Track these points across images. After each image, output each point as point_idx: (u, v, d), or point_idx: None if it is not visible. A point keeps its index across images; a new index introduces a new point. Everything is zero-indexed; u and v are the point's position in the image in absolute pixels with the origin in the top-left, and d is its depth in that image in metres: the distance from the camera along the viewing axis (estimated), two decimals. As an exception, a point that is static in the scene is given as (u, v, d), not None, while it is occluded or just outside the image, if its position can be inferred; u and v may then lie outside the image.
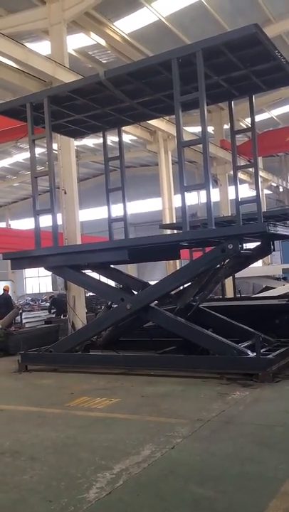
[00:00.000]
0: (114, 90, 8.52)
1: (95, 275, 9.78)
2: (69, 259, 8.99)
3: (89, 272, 9.69)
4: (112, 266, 9.66)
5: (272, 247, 9.55)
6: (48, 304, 22.46)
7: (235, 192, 9.19)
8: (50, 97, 8.85)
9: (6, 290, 17.56)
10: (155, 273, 28.86)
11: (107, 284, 9.76)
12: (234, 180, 9.30)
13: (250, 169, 15.41)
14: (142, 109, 9.54)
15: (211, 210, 7.48)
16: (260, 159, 22.75)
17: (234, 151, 9.51)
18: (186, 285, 8.92)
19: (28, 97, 9.40)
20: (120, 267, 10.31)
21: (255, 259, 10.29)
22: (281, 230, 8.01)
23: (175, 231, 18.98)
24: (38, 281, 39.44)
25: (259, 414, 5.34)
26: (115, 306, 8.92)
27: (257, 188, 8.99)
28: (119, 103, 9.17)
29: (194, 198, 28.86)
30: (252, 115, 9.04)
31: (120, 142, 10.69)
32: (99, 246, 9.12)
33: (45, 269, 9.97)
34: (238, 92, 8.89)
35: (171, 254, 9.76)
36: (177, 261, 17.08)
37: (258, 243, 9.46)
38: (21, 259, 9.89)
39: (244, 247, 7.83)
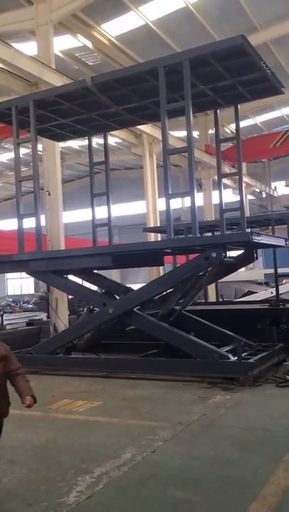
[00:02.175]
0: (101, 96, 8.52)
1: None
2: (52, 265, 8.92)
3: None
4: (94, 271, 9.63)
5: (255, 255, 9.64)
6: (30, 306, 22.30)
7: (220, 200, 9.25)
8: (36, 101, 8.80)
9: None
10: (138, 277, 28.88)
11: (89, 289, 9.73)
12: (218, 188, 9.35)
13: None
14: (128, 115, 9.55)
15: (196, 217, 7.50)
16: (243, 165, 22.94)
17: (219, 159, 9.58)
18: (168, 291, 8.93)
19: (14, 101, 9.34)
20: (103, 271, 10.29)
21: (239, 267, 10.37)
22: (264, 240, 8.09)
23: (159, 234, 19.11)
24: (20, 282, 39.10)
25: (240, 417, 5.37)
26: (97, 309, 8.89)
27: (241, 197, 9.06)
28: (106, 109, 9.17)
29: (178, 202, 29.00)
30: (237, 124, 9.13)
31: (106, 147, 10.66)
32: (83, 252, 9.07)
33: (27, 273, 9.84)
34: (223, 101, 8.96)
35: (155, 261, 9.78)
36: (160, 265, 17.09)
37: (242, 251, 9.55)
38: (3, 264, 9.79)
39: (227, 255, 7.87)
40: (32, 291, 35.54)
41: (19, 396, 3.45)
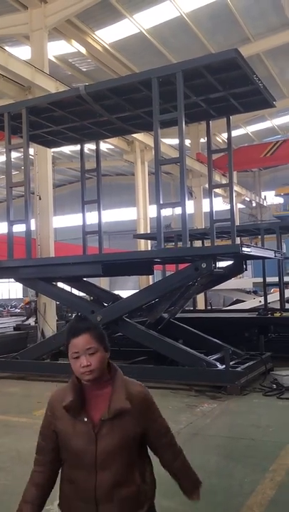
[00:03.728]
0: (94, 105, 8.55)
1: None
2: (42, 272, 8.88)
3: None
4: (84, 278, 9.61)
5: (244, 266, 9.69)
6: (18, 310, 22.13)
7: (210, 211, 9.30)
8: (29, 107, 8.80)
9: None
10: (127, 284, 28.85)
11: (78, 296, 9.71)
12: (209, 199, 9.40)
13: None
14: (121, 124, 9.57)
15: (186, 227, 7.52)
16: (234, 174, 23.12)
17: (210, 170, 9.63)
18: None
19: (7, 107, 9.32)
20: (93, 278, 10.27)
21: (228, 278, 10.41)
22: (254, 251, 8.15)
23: (149, 241, 19.13)
24: (8, 286, 38.89)
25: (226, 426, 5.37)
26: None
27: (231, 208, 9.12)
28: (99, 117, 9.19)
29: (169, 210, 29.07)
30: (229, 136, 9.21)
31: (98, 155, 10.64)
32: (73, 260, 9.05)
33: (16, 280, 9.77)
34: (216, 113, 9.05)
35: (145, 270, 9.80)
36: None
37: (231, 262, 9.61)
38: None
39: (217, 266, 7.91)
40: (20, 295, 35.35)
41: (181, 489, 2.33)
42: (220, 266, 8.99)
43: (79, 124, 9.52)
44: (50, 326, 11.84)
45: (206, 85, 7.88)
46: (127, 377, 2.15)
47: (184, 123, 7.52)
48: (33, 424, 5.65)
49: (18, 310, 24.84)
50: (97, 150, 10.71)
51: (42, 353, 8.82)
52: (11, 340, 11.39)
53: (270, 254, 9.49)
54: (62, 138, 10.46)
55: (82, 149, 10.78)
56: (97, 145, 10.66)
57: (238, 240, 13.26)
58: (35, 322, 13.40)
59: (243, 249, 7.43)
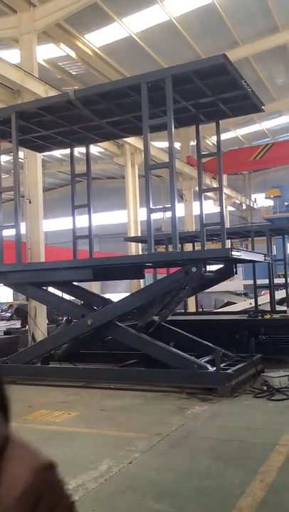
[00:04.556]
0: (84, 109, 8.56)
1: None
2: (32, 277, 8.86)
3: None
4: (74, 283, 9.58)
5: (234, 269, 9.73)
6: (8, 314, 22.03)
7: (200, 214, 9.34)
8: (18, 112, 8.79)
9: None
10: (118, 287, 28.81)
11: (68, 301, 9.69)
12: (199, 202, 9.43)
13: (215, 186, 15.66)
14: (111, 128, 9.59)
15: (176, 231, 7.54)
16: (224, 177, 23.20)
17: (200, 174, 9.67)
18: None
19: None
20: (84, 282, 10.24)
21: (218, 281, 10.45)
22: (243, 255, 8.20)
23: (140, 244, 19.13)
24: (-1, 290, 38.69)
25: (217, 429, 5.38)
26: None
27: (221, 212, 9.16)
28: (88, 122, 9.19)
29: (159, 213, 29.07)
30: (218, 140, 9.26)
31: (88, 159, 10.64)
32: (63, 264, 9.03)
33: (5, 285, 9.71)
34: (205, 117, 9.09)
35: (136, 274, 9.83)
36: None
37: (221, 266, 9.64)
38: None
39: (207, 269, 7.94)
40: (11, 299, 35.15)
41: None
42: (210, 270, 9.02)
43: (69, 128, 9.51)
44: (41, 329, 11.79)
45: (195, 90, 7.92)
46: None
47: (173, 128, 7.55)
48: (22, 428, 5.62)
49: (8, 314, 24.72)
50: (87, 154, 10.70)
51: (32, 357, 8.78)
52: (1, 344, 11.33)
53: (260, 257, 9.55)
54: (52, 142, 10.45)
55: (72, 154, 10.76)
56: (87, 149, 10.65)
57: (228, 243, 13.32)
58: (22, 326, 13.35)
59: (233, 253, 7.47)
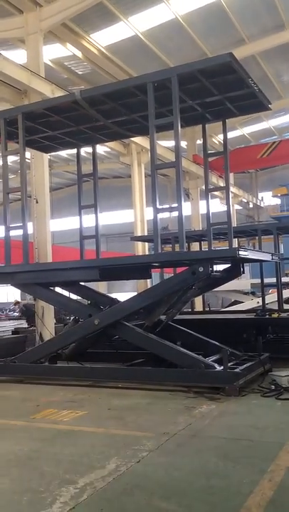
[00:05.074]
0: (90, 110, 8.54)
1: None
2: (39, 277, 8.86)
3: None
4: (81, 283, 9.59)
5: (242, 269, 9.69)
6: (16, 314, 22.09)
7: (207, 214, 9.30)
8: (25, 113, 8.80)
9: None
10: (125, 286, 28.86)
11: (75, 301, 9.69)
12: (206, 202, 9.39)
13: (222, 185, 15.60)
14: (117, 128, 9.57)
15: (183, 231, 7.50)
16: (231, 175, 23.15)
17: (206, 173, 9.62)
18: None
19: (2, 113, 9.30)
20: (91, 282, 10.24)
21: (226, 281, 10.41)
22: (251, 255, 8.15)
23: (146, 243, 19.13)
24: (6, 290, 38.82)
25: (225, 428, 5.36)
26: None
27: (228, 211, 9.11)
28: (94, 122, 9.17)
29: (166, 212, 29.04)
30: (225, 139, 9.21)
31: (94, 159, 10.60)
32: (70, 265, 9.02)
33: (13, 286, 9.74)
34: (211, 116, 9.04)
35: (143, 274, 9.81)
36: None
37: (229, 265, 9.59)
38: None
39: (214, 269, 7.91)
40: (18, 299, 35.27)
41: None
42: (217, 269, 8.99)
43: (75, 129, 9.51)
44: (49, 329, 11.83)
45: (201, 89, 7.88)
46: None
47: (179, 127, 7.51)
48: (30, 427, 5.65)
49: (16, 314, 24.82)
50: (94, 155, 10.69)
51: (40, 357, 8.80)
52: (9, 343, 11.38)
53: (268, 257, 9.49)
54: (58, 143, 10.45)
55: (78, 154, 10.76)
56: (94, 149, 10.64)
57: (235, 242, 13.28)
58: (29, 325, 13.40)
59: (240, 253, 7.42)
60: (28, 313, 16.82)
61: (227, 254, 7.91)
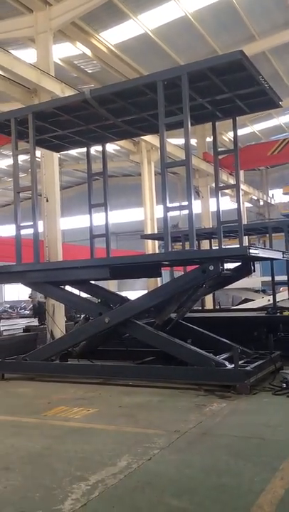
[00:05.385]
0: (99, 108, 8.55)
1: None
2: (49, 276, 8.89)
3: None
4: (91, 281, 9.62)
5: (252, 267, 9.65)
6: (27, 312, 22.22)
7: (217, 212, 9.27)
8: (35, 112, 8.83)
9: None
10: (136, 284, 28.86)
11: (85, 299, 9.72)
12: (216, 200, 9.36)
13: (232, 182, 15.52)
14: (127, 127, 9.56)
15: (194, 230, 7.48)
16: (241, 172, 23.04)
17: (216, 171, 9.57)
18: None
19: (13, 113, 9.35)
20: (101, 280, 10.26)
21: (236, 279, 10.39)
22: (261, 253, 8.11)
23: (156, 242, 19.13)
24: (18, 288, 39.06)
25: (236, 426, 5.36)
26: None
27: (239, 209, 9.07)
28: (104, 120, 9.18)
29: (176, 209, 28.99)
30: (235, 136, 9.15)
31: (104, 158, 10.58)
32: (81, 263, 9.04)
33: (24, 284, 9.80)
34: (221, 114, 9.01)
35: (153, 272, 9.82)
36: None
37: (239, 263, 9.57)
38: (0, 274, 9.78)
39: (225, 268, 7.88)
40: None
41: None
42: (228, 268, 8.96)
43: (85, 127, 9.53)
44: (59, 327, 11.89)
45: (211, 87, 7.85)
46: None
47: (189, 125, 7.49)
48: (42, 424, 5.69)
49: (27, 311, 24.98)
50: (104, 153, 10.68)
51: (51, 354, 8.85)
52: (20, 341, 11.45)
53: (278, 255, 9.44)
54: (68, 142, 10.48)
55: (88, 153, 10.77)
56: (104, 148, 10.64)
57: (245, 240, 13.23)
58: (40, 323, 13.46)
59: (251, 251, 7.39)
60: (39, 310, 16.93)
61: (237, 253, 7.89)
